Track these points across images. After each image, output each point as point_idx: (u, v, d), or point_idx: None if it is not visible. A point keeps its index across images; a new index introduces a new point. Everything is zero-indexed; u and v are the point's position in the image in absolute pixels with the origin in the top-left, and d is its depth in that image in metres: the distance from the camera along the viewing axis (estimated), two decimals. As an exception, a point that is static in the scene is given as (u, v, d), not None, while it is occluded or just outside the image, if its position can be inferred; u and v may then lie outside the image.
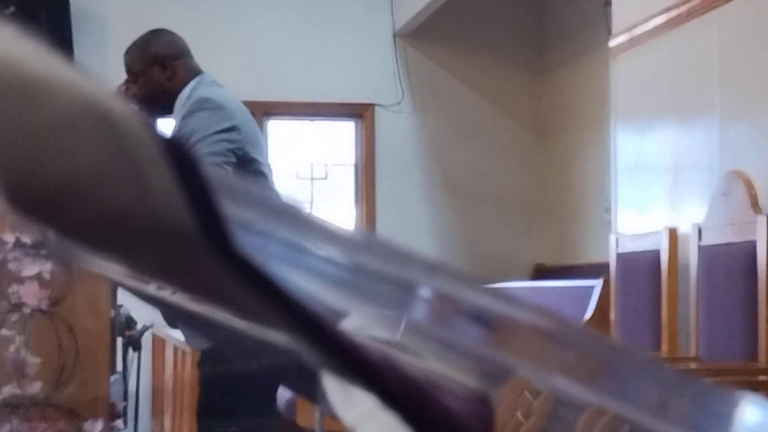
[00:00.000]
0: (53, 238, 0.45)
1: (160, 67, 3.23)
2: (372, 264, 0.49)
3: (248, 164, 3.08)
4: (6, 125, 0.39)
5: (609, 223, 5.09)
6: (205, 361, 3.21)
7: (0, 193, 0.40)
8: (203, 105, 3.08)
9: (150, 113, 3.27)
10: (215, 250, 0.40)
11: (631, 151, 4.60)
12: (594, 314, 4.77)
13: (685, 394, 0.51)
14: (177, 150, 0.40)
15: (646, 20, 4.38)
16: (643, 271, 4.09)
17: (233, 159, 3.04)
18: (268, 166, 3.26)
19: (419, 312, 0.50)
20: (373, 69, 7.16)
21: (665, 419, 0.50)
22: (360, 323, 0.59)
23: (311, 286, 0.48)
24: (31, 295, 3.10)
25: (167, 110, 3.24)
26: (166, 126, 3.36)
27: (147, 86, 3.24)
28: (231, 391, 3.01)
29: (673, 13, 4.19)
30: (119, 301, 3.81)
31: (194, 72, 3.27)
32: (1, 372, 3.09)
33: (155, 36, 3.33)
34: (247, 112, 3.22)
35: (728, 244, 3.58)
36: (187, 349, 4.93)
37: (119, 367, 4.47)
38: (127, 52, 3.32)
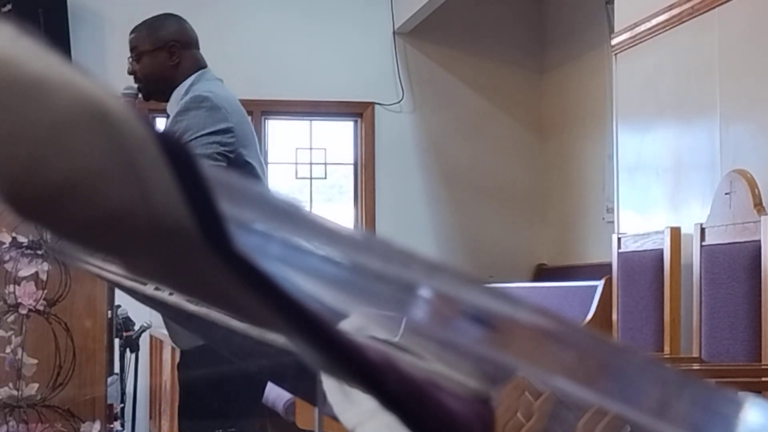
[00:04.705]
0: (51, 238, 0.45)
1: (167, 53, 3.20)
2: (372, 264, 0.49)
3: (241, 167, 3.05)
4: (4, 124, 0.38)
5: (610, 223, 5.09)
6: (185, 362, 3.20)
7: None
8: (200, 103, 3.04)
9: (145, 95, 3.26)
10: (214, 250, 0.40)
11: (633, 151, 4.59)
12: (596, 315, 4.77)
13: (687, 395, 0.51)
14: (176, 149, 0.39)
15: (648, 18, 4.38)
16: (645, 271, 4.09)
17: (223, 162, 3.00)
18: (263, 168, 3.24)
19: (419, 312, 0.50)
20: (372, 68, 7.15)
21: (666, 420, 0.50)
22: (360, 323, 0.59)
23: (311, 286, 0.47)
24: (27, 295, 3.10)
25: (163, 96, 3.22)
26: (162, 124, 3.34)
27: (150, 68, 3.21)
28: (214, 392, 3.00)
29: (675, 11, 4.19)
30: (117, 302, 3.80)
31: (198, 65, 3.24)
32: (-1, 373, 3.09)
33: (169, 20, 3.29)
34: (243, 113, 3.18)
35: (731, 244, 3.58)
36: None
37: (117, 368, 4.47)
38: (137, 29, 3.27)
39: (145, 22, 3.29)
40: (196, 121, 3.01)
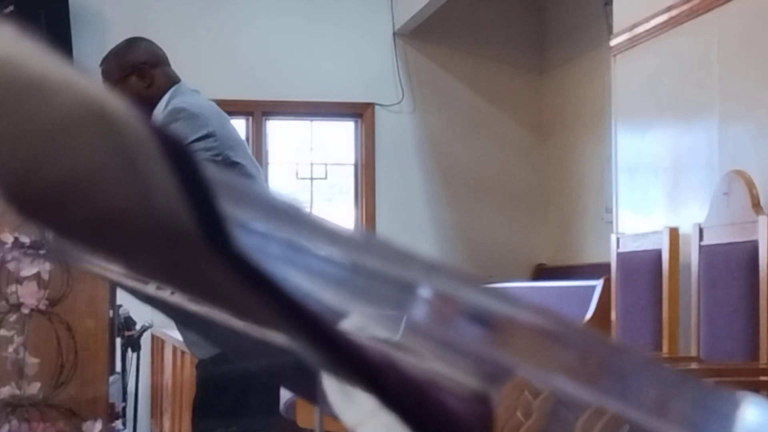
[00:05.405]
0: (52, 237, 0.45)
1: (138, 76, 3.19)
2: (372, 264, 0.49)
3: (231, 168, 3.05)
4: (5, 124, 0.38)
5: (609, 223, 5.09)
6: (203, 362, 3.20)
7: (-1, 192, 0.40)
8: (176, 115, 3.04)
9: None
10: (215, 250, 0.40)
11: (632, 151, 4.60)
12: (594, 314, 4.77)
13: (686, 395, 0.51)
14: (177, 149, 0.40)
15: (647, 19, 4.38)
16: (643, 271, 4.09)
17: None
18: (256, 166, 3.23)
19: (419, 312, 0.50)
20: (373, 68, 7.15)
21: (665, 419, 0.50)
22: (360, 323, 0.59)
23: (311, 286, 0.48)
24: (29, 295, 3.10)
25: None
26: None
27: (125, 95, 3.20)
28: (229, 392, 3.01)
29: (674, 12, 4.19)
30: (118, 302, 3.81)
31: (172, 81, 3.23)
32: (0, 372, 3.09)
33: (132, 44, 3.29)
34: (224, 116, 3.17)
35: (729, 244, 3.58)
36: (186, 350, 4.94)
37: (118, 367, 4.48)
38: (103, 61, 3.27)
39: (110, 52, 3.30)
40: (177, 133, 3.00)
